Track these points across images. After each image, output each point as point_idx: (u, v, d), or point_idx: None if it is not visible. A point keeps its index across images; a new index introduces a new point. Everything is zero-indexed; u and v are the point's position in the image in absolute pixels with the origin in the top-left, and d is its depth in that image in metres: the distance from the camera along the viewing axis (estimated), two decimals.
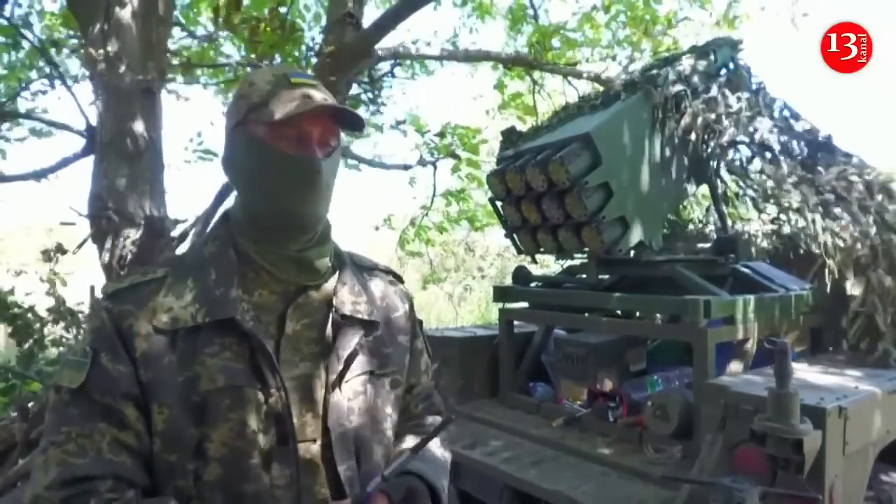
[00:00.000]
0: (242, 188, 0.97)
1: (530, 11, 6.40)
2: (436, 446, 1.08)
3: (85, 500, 0.79)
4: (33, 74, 4.61)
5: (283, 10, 4.06)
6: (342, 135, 1.00)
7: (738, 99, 3.16)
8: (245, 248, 0.95)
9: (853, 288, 2.61)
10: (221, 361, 0.87)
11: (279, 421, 0.88)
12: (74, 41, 4.38)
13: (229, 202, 4.13)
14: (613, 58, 6.40)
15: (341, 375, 0.94)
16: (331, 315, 0.97)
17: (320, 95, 0.92)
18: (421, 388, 1.17)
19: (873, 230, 2.66)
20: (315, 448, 0.91)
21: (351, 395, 0.95)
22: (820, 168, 3.00)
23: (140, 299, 0.90)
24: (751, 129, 3.02)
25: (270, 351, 0.89)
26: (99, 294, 0.95)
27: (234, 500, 0.85)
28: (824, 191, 2.79)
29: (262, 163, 0.92)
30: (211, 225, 1.02)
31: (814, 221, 2.64)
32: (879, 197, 2.86)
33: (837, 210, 2.70)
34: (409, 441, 1.07)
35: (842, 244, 2.59)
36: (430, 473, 0.99)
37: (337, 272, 1.02)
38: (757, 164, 3.04)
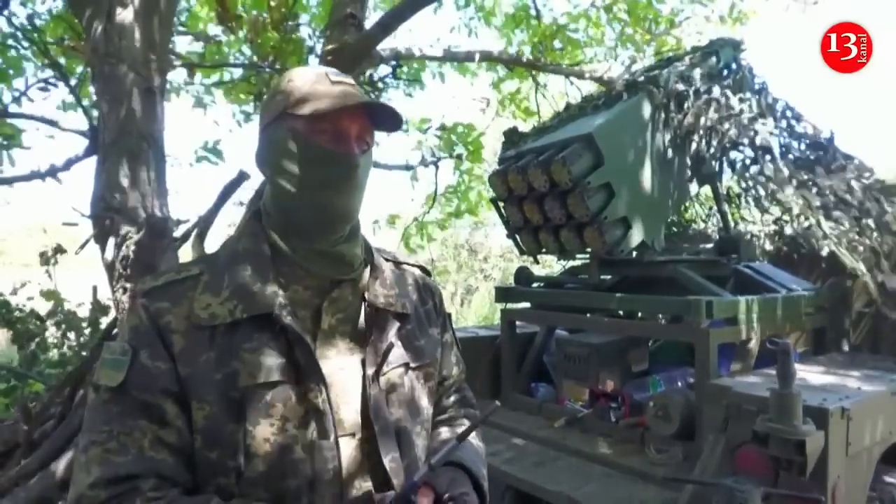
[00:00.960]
0: (278, 183, 0.96)
1: (532, 11, 6.39)
2: (472, 436, 1.08)
3: (130, 498, 0.79)
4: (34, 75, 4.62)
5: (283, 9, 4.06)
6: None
7: (741, 100, 3.16)
8: (278, 244, 0.96)
9: (859, 290, 2.61)
10: (260, 357, 0.87)
11: (319, 415, 0.88)
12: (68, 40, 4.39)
13: (232, 201, 4.13)
14: (615, 58, 6.40)
15: (379, 368, 0.95)
16: (364, 308, 0.98)
17: (359, 93, 0.93)
18: (452, 381, 1.18)
19: (875, 234, 2.66)
20: (355, 442, 0.91)
21: (389, 387, 0.96)
22: (821, 170, 3.00)
23: (176, 296, 0.90)
24: (751, 131, 3.01)
25: (309, 345, 0.89)
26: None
27: (278, 496, 0.85)
28: (825, 194, 2.79)
29: (300, 157, 0.92)
30: (241, 221, 1.02)
31: (818, 223, 2.64)
32: (880, 199, 2.86)
33: (838, 213, 2.70)
34: (445, 433, 1.09)
35: (845, 246, 2.59)
36: (471, 462, 1.01)
37: (369, 266, 1.03)
38: (760, 164, 3.04)
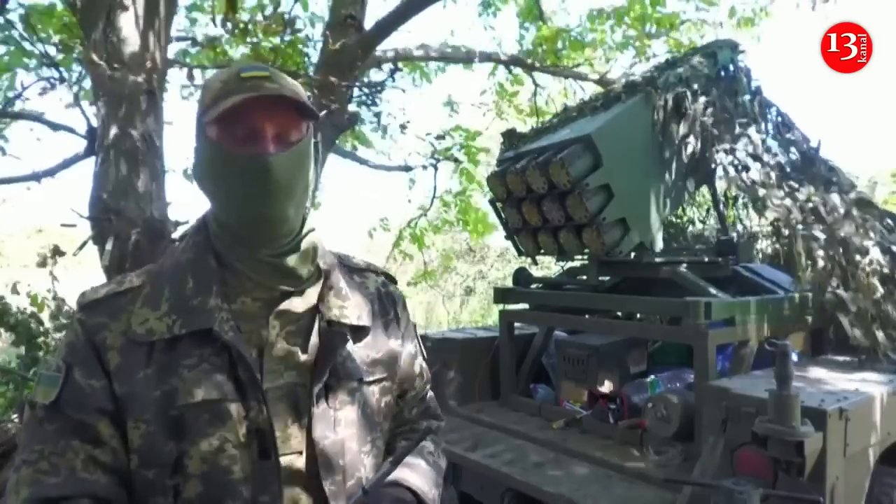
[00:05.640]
0: (207, 195, 0.92)
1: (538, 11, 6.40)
2: (427, 452, 1.03)
3: None
4: (31, 74, 4.62)
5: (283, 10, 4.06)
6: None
7: (736, 104, 3.17)
8: (224, 254, 0.91)
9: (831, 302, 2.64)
10: (200, 374, 0.83)
11: (261, 435, 0.84)
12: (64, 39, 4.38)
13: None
14: (616, 60, 6.41)
15: (328, 385, 0.90)
16: (316, 322, 0.93)
17: (273, 86, 0.85)
18: (415, 394, 1.12)
19: (841, 250, 2.67)
20: (300, 461, 0.87)
21: (338, 405, 0.91)
22: (805, 181, 3.01)
23: (115, 310, 0.86)
24: (744, 137, 3.02)
25: (250, 362, 0.85)
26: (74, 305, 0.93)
27: None
28: (805, 207, 2.80)
29: (214, 164, 0.87)
30: (187, 230, 0.97)
31: (794, 237, 2.66)
32: (855, 213, 2.87)
33: (816, 229, 2.71)
34: (401, 447, 1.02)
35: (820, 261, 2.61)
36: (417, 482, 0.95)
37: (323, 276, 0.97)
38: (752, 169, 3.04)
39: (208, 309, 0.86)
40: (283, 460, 0.86)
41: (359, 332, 0.97)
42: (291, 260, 0.91)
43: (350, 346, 0.94)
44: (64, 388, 0.82)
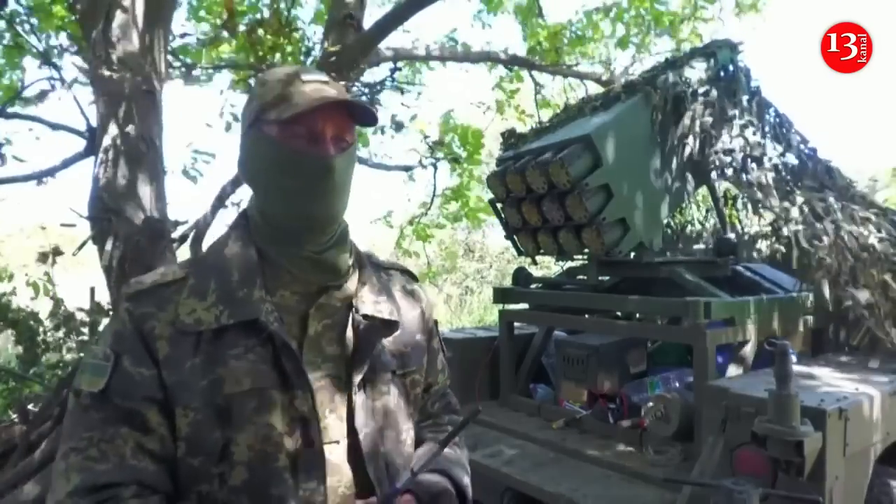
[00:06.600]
0: (257, 189, 0.96)
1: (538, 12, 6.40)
2: (455, 444, 1.08)
3: None
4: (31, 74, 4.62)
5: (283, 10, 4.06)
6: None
7: (734, 105, 3.17)
8: (265, 249, 0.94)
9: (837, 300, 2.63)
10: (246, 364, 0.85)
11: (304, 423, 0.87)
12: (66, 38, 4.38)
13: (231, 202, 4.12)
14: (616, 59, 6.41)
15: (365, 376, 0.94)
16: (352, 315, 0.96)
17: (332, 91, 0.90)
18: (438, 388, 1.17)
19: (846, 248, 2.67)
20: (340, 449, 0.90)
21: (375, 395, 0.95)
22: (804, 182, 3.00)
23: (162, 301, 0.88)
24: (742, 138, 3.02)
25: (296, 352, 0.88)
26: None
27: None
28: (804, 207, 2.80)
29: (274, 162, 0.90)
30: (230, 225, 1.00)
31: (797, 234, 2.65)
32: (856, 211, 2.86)
33: (819, 226, 2.71)
34: (429, 440, 1.08)
35: (822, 259, 2.60)
36: (453, 470, 1.00)
37: (357, 272, 1.01)
38: (751, 169, 3.04)
39: (254, 301, 0.88)
40: (326, 448, 0.88)
41: (390, 327, 1.00)
42: (332, 255, 0.95)
43: (384, 339, 0.98)
44: (113, 376, 0.83)
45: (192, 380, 0.84)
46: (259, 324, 0.87)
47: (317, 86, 0.90)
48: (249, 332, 0.87)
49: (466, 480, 1.03)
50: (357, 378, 0.92)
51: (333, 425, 0.90)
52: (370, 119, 0.95)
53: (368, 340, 0.95)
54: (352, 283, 0.99)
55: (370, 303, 0.98)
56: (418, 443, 1.06)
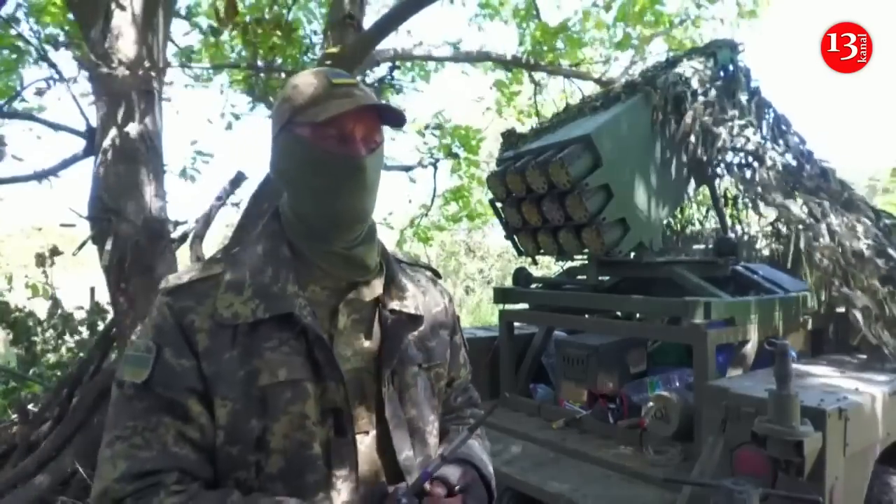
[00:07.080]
0: (290, 189, 0.99)
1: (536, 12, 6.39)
2: (480, 436, 1.12)
3: (154, 492, 0.82)
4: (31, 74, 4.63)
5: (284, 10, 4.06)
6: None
7: (734, 105, 3.17)
8: (297, 245, 0.98)
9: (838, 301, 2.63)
10: (280, 356, 0.89)
11: (337, 413, 0.91)
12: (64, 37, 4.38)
13: (231, 202, 4.11)
14: (616, 58, 6.40)
15: (393, 368, 0.98)
16: (379, 310, 1.00)
17: (362, 94, 0.94)
18: (460, 382, 1.22)
19: (840, 250, 2.67)
20: (369, 440, 0.94)
21: (402, 386, 0.99)
22: (802, 182, 3.00)
23: (200, 295, 0.92)
24: (743, 138, 3.02)
25: (329, 345, 0.92)
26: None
27: (296, 491, 0.88)
28: (803, 208, 2.80)
29: (308, 163, 0.94)
30: (262, 223, 1.04)
31: (797, 233, 2.65)
32: (848, 215, 2.86)
33: (816, 229, 2.71)
34: (453, 432, 1.12)
35: (820, 261, 2.60)
36: (479, 459, 1.04)
37: (384, 269, 1.05)
38: (751, 169, 3.04)
39: (288, 295, 0.92)
40: (357, 438, 0.93)
41: (415, 321, 1.04)
42: (361, 252, 0.99)
43: (410, 333, 1.03)
44: (155, 367, 0.87)
45: (229, 371, 0.88)
46: (293, 318, 0.90)
47: (347, 89, 0.94)
48: (283, 325, 0.91)
49: (491, 470, 1.07)
50: (387, 371, 0.97)
51: (364, 416, 0.94)
52: (398, 120, 0.99)
53: (396, 334, 0.99)
54: (379, 280, 1.03)
55: (396, 298, 1.02)
56: (442, 435, 1.10)
